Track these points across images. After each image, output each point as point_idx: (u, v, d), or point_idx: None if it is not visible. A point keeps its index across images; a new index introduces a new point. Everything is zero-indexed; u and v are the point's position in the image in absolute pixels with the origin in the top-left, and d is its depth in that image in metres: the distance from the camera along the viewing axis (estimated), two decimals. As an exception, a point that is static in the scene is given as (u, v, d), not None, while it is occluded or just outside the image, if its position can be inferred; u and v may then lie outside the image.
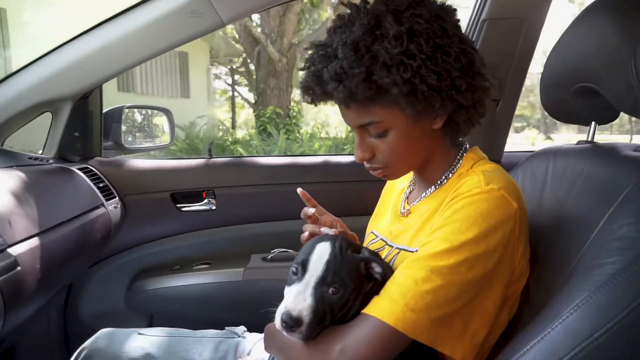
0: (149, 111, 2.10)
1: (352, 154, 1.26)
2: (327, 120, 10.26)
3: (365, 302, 0.77)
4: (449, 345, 0.73)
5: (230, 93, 12.21)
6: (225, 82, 12.55)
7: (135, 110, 1.98)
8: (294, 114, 8.84)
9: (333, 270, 0.75)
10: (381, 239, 0.99)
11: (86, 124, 1.54)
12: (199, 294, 1.58)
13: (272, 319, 0.77)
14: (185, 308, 1.60)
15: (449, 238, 0.73)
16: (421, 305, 0.71)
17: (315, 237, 0.84)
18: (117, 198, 1.55)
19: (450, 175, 0.89)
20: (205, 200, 1.67)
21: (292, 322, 0.72)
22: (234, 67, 11.79)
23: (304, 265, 0.77)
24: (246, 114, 11.93)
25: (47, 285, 1.14)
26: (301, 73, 0.85)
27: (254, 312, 1.54)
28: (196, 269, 1.63)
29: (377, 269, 0.79)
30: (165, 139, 1.94)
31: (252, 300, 1.49)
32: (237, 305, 1.58)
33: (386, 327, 0.72)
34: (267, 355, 0.99)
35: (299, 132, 8.47)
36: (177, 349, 1.07)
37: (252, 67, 10.45)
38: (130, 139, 1.87)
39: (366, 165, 0.89)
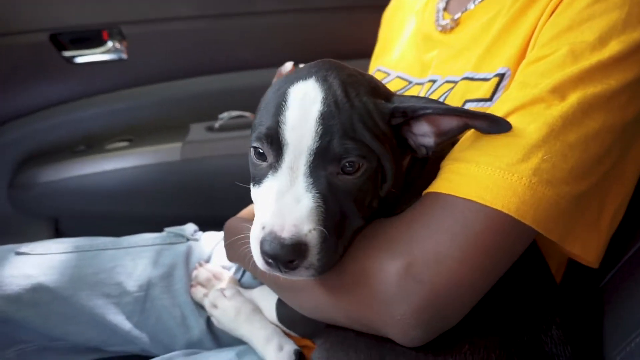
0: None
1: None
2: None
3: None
4: (581, 240, 0.50)
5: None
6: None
7: None
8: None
9: (338, 129, 0.45)
10: (398, 76, 0.73)
11: None
12: (118, 183, 1.19)
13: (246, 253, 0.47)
14: (102, 206, 1.21)
15: (577, 55, 0.47)
16: (550, 176, 0.44)
17: (287, 75, 0.51)
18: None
19: None
20: (110, 45, 1.17)
21: (289, 255, 0.43)
22: None
23: (273, 138, 0.46)
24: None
25: None
26: None
27: (202, 202, 1.17)
28: (110, 148, 1.22)
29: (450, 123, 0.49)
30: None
31: (198, 186, 1.18)
32: (177, 196, 1.21)
33: (495, 215, 0.44)
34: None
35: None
36: (90, 271, 0.75)
37: None
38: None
39: None
